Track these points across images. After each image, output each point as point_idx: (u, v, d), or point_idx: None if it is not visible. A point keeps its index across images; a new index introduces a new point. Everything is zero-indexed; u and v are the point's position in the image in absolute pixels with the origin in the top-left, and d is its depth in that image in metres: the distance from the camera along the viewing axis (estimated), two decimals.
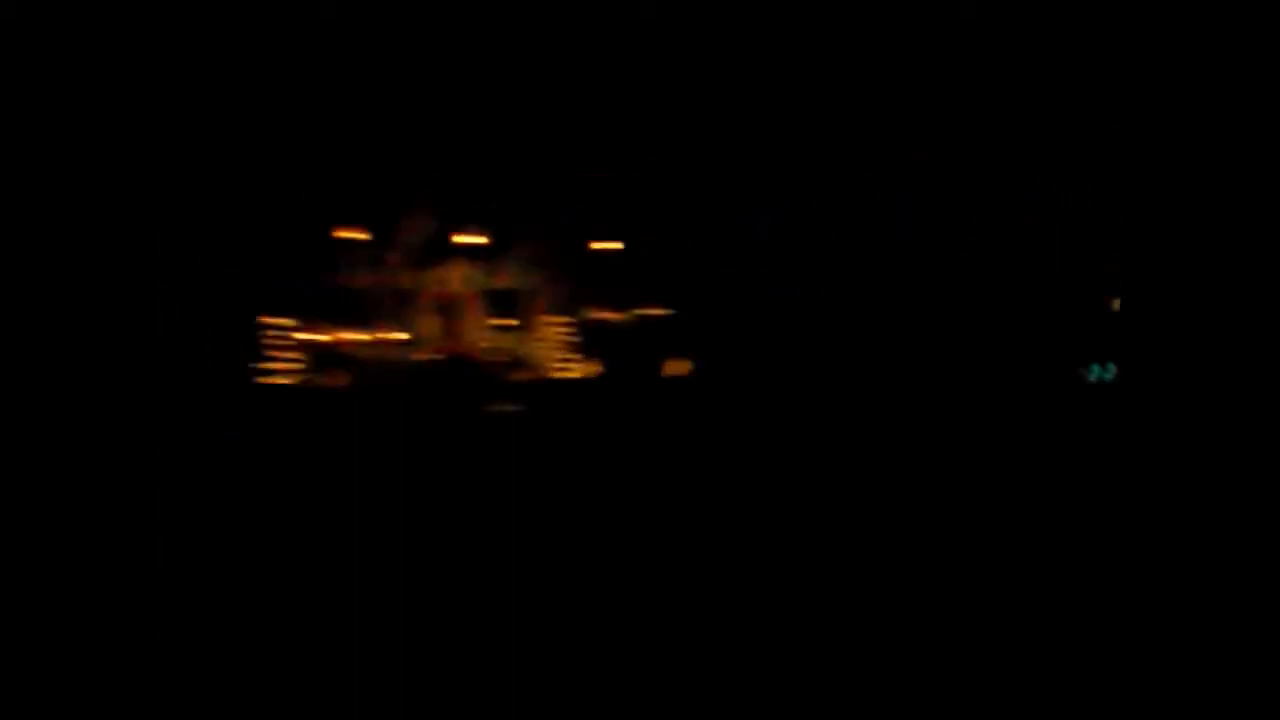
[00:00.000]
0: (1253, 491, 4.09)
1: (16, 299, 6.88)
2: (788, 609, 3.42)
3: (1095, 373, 7.51)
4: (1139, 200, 8.19)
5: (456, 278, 8.02)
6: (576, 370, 8.09)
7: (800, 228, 9.38)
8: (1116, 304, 8.06)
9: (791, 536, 4.37)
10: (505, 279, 8.07)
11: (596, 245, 8.19)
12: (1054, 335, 10.06)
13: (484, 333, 8.07)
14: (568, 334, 8.12)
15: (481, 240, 8.05)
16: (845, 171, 9.11)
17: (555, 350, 8.02)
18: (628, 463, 5.69)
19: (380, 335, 7.80)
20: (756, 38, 8.63)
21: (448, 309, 8.01)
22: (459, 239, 7.99)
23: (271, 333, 7.59)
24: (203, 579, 3.85)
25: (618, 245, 8.33)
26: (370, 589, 3.71)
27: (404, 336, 7.79)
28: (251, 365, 7.39)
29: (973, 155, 9.00)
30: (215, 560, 4.09)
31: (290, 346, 7.66)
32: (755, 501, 4.92)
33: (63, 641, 3.25)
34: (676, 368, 8.06)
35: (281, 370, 7.48)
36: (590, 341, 8.06)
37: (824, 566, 3.88)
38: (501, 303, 8.05)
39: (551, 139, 7.92)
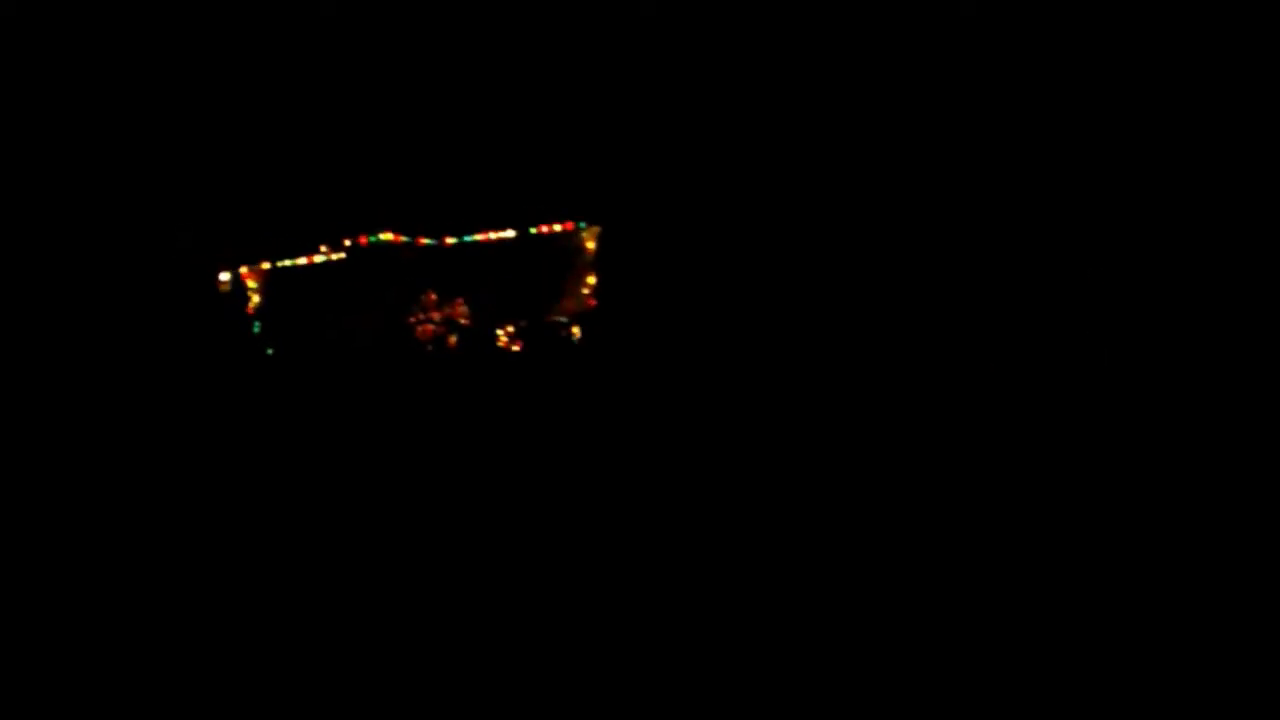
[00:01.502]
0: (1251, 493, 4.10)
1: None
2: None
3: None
4: (1136, 201, 8.16)
5: None
6: None
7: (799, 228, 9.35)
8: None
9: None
10: None
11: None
12: (1052, 333, 10.02)
13: None
14: None
15: None
16: (845, 171, 9.10)
17: None
18: None
19: None
20: (756, 38, 8.63)
21: None
22: None
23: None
24: None
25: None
26: None
27: None
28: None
29: (972, 155, 8.98)
30: None
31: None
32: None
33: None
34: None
35: None
36: None
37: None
38: None
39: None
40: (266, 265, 8.11)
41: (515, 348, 7.23)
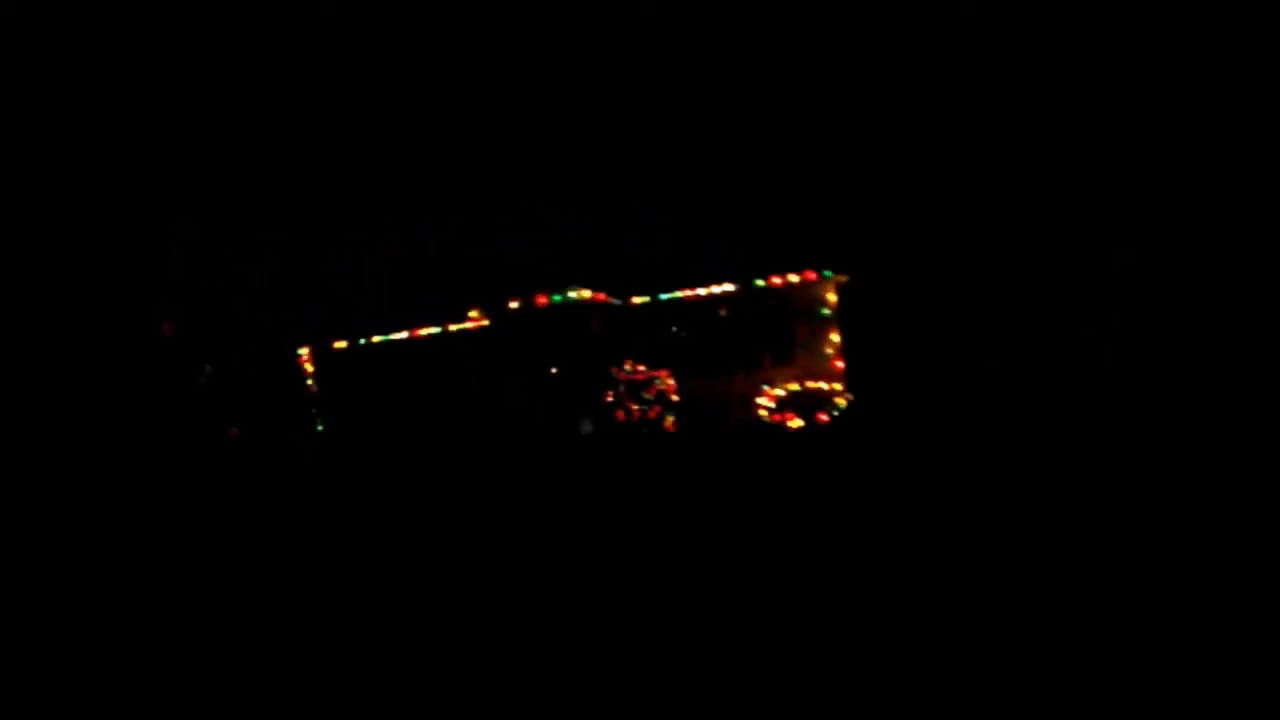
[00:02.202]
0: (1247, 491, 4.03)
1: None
2: None
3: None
4: (1134, 200, 8.45)
5: None
6: None
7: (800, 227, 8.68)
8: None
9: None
10: None
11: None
12: (1052, 334, 10.03)
13: None
14: None
15: None
16: (845, 171, 8.65)
17: None
18: None
19: None
20: (757, 39, 8.12)
21: None
22: None
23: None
24: None
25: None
26: None
27: None
28: None
29: (973, 155, 8.91)
30: None
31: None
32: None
33: None
34: None
35: None
36: None
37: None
38: None
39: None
40: (342, 344, 6.05)
41: (791, 422, 5.70)
